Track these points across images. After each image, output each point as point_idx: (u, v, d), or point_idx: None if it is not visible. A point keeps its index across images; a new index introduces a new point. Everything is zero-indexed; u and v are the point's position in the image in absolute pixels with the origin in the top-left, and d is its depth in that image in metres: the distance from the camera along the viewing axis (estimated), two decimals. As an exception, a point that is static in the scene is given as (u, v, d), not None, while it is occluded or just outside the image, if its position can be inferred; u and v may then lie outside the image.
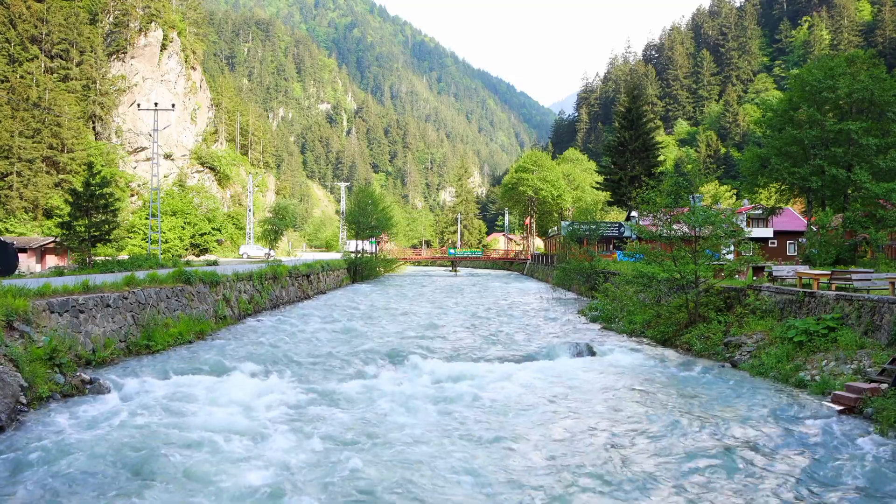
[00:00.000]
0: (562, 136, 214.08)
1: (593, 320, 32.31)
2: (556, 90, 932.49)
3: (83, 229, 37.14)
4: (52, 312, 17.16)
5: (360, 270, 67.75)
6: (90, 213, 37.47)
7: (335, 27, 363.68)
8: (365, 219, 72.09)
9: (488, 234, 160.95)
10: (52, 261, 46.11)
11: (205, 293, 27.78)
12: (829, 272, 20.85)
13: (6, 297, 15.92)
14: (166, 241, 73.55)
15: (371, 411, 14.27)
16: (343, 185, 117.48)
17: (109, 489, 9.77)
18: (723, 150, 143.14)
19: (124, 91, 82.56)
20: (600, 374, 18.76)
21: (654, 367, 19.84)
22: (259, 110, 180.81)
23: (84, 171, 46.96)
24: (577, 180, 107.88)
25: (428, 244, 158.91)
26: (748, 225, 54.38)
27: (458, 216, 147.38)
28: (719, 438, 12.53)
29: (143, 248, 65.15)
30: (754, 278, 26.83)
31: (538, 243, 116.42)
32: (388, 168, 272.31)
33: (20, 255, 39.51)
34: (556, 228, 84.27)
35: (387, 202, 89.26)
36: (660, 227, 25.39)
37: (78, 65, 75.88)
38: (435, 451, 11.65)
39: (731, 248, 29.87)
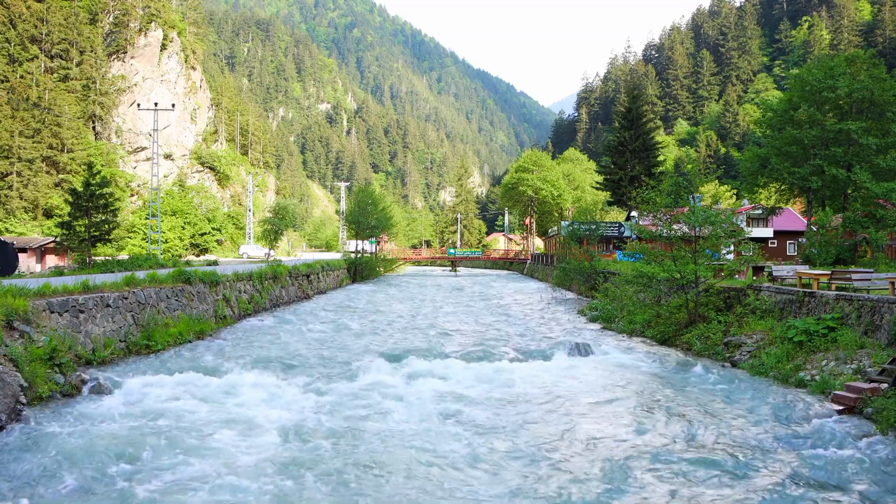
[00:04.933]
0: (562, 136, 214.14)
1: (593, 320, 32.31)
2: (556, 90, 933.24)
3: (83, 229, 37.12)
4: (52, 312, 17.16)
5: (360, 270, 67.74)
6: (90, 213, 37.46)
7: (335, 27, 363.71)
8: (365, 219, 72.09)
9: (488, 234, 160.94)
10: (52, 261, 46.11)
11: (205, 293, 27.79)
12: (829, 272, 20.86)
13: (6, 297, 15.92)
14: (166, 241, 73.56)
15: (373, 411, 14.27)
16: (343, 185, 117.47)
17: (109, 488, 9.77)
18: (723, 150, 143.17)
19: (124, 91, 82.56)
20: (600, 373, 18.75)
21: (654, 366, 19.84)
22: (259, 110, 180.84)
23: (84, 171, 46.94)
24: (577, 180, 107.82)
25: (428, 244, 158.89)
26: (748, 225, 54.36)
27: (458, 216, 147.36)
28: (719, 438, 12.53)
29: (143, 248, 65.15)
30: (754, 278, 26.83)
31: (538, 243, 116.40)
32: (388, 168, 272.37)
33: (20, 255, 39.51)
34: (556, 228, 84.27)
35: (387, 202, 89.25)
36: (660, 227, 25.38)
37: (78, 65, 75.88)
38: (436, 451, 11.65)
39: (731, 248, 29.88)
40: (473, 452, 11.65)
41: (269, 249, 79.93)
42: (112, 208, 39.72)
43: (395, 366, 19.59)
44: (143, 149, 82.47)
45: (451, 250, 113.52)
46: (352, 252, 74.96)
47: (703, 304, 24.05)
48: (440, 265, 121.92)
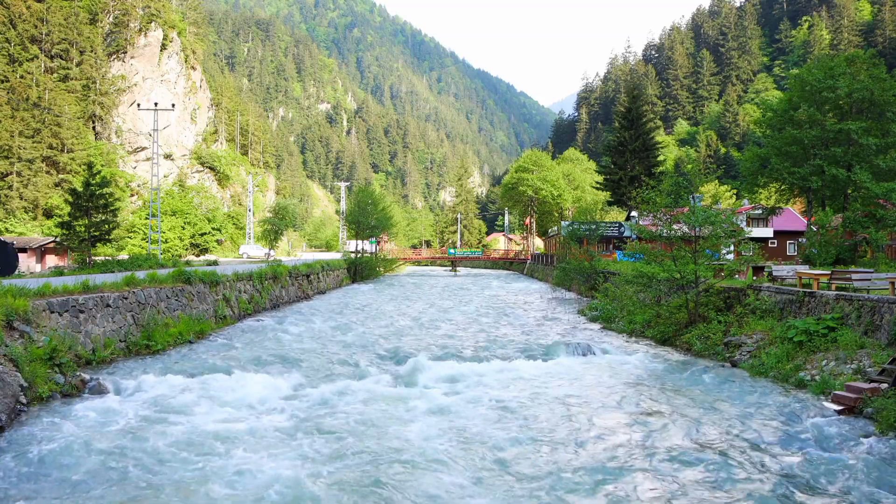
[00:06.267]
0: (562, 136, 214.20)
1: (593, 320, 32.31)
2: (556, 90, 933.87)
3: (83, 229, 37.12)
4: (52, 312, 17.16)
5: (360, 270, 67.75)
6: (90, 213, 37.45)
7: (335, 27, 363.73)
8: (365, 219, 72.10)
9: (488, 234, 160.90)
10: (52, 261, 46.10)
11: (205, 293, 27.78)
12: (829, 272, 20.85)
13: (6, 297, 15.92)
14: (166, 241, 73.56)
15: (372, 411, 14.26)
16: (343, 185, 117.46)
17: (109, 489, 9.77)
18: (723, 150, 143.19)
19: (124, 91, 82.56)
20: (600, 373, 18.75)
21: (654, 366, 19.83)
22: (259, 110, 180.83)
23: (84, 171, 46.93)
24: (577, 180, 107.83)
25: (428, 244, 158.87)
26: (748, 225, 54.37)
27: (458, 216, 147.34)
28: (718, 438, 12.53)
29: (143, 248, 65.15)
30: (754, 278, 26.83)
31: (538, 243, 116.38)
32: (388, 168, 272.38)
33: (20, 255, 39.49)
34: (556, 228, 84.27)
35: (387, 202, 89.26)
36: (660, 227, 25.37)
37: (78, 65, 75.88)
38: (437, 452, 11.64)
39: (731, 248, 29.88)
40: (474, 451, 11.65)
41: (269, 249, 79.94)
42: (112, 208, 39.72)
43: (395, 366, 19.61)
44: (143, 149, 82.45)
45: (451, 250, 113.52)
46: (352, 252, 74.95)
47: (703, 304, 24.05)
48: (440, 265, 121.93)
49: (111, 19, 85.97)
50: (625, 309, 29.60)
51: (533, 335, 26.91)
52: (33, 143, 64.42)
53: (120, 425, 12.67)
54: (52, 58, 73.49)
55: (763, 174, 39.55)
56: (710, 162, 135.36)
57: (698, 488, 10.13)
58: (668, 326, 24.67)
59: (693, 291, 23.99)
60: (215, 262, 49.83)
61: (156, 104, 59.83)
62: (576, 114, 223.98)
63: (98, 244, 39.07)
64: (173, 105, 76.56)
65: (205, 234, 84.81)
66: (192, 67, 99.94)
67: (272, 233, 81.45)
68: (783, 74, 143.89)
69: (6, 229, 58.83)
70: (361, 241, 74.51)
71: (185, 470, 10.51)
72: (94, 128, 78.11)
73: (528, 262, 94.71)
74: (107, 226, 38.40)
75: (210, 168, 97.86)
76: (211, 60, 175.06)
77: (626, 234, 64.34)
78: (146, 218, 68.96)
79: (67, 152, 67.80)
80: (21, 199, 62.97)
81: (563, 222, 75.39)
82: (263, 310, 34.85)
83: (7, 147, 62.32)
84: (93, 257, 37.93)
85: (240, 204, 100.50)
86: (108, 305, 19.83)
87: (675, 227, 24.77)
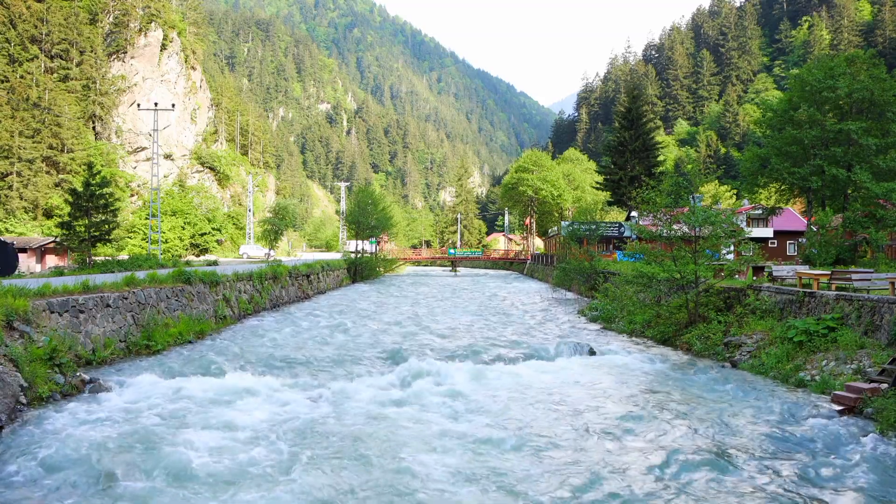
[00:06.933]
0: (562, 136, 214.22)
1: (593, 320, 32.31)
2: (556, 90, 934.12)
3: (83, 229, 37.12)
4: (52, 312, 17.16)
5: (360, 270, 67.75)
6: (90, 213, 37.45)
7: (335, 27, 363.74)
8: (365, 219, 72.09)
9: (488, 234, 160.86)
10: (52, 261, 46.08)
11: (205, 293, 27.78)
12: (829, 272, 20.85)
13: (6, 297, 15.92)
14: (166, 241, 73.55)
15: (371, 411, 14.26)
16: (343, 185, 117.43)
17: (108, 489, 9.77)
18: (723, 150, 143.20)
19: (124, 91, 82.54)
20: (600, 373, 18.75)
21: (654, 366, 19.83)
22: (259, 110, 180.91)
23: (84, 171, 46.93)
24: (577, 180, 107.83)
25: (428, 244, 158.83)
26: (748, 225, 54.36)
27: (458, 216, 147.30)
28: (719, 438, 12.52)
29: (143, 248, 65.14)
30: (754, 278, 26.83)
31: (538, 243, 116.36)
32: (388, 168, 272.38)
33: (20, 255, 39.48)
34: (556, 228, 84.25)
35: (387, 202, 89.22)
36: (660, 227, 25.38)
37: (78, 65, 75.88)
38: (436, 452, 11.64)
39: (731, 248, 29.88)
40: (474, 453, 11.64)
41: (269, 249, 79.92)
42: (112, 208, 39.70)
43: (395, 367, 19.57)
44: (143, 149, 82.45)
45: (451, 250, 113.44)
46: (352, 252, 74.94)
47: (703, 304, 24.05)
48: (440, 265, 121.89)
49: (111, 19, 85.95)
50: (625, 309, 29.60)
51: (533, 336, 26.91)
52: (33, 143, 64.41)
53: (119, 425, 12.66)
54: (52, 58, 73.49)
55: (763, 174, 39.56)
56: (710, 162, 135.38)
57: (698, 488, 10.13)
58: (668, 326, 24.67)
59: (693, 291, 23.99)
60: (215, 263, 49.81)
61: (156, 104, 59.81)
62: (576, 114, 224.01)
63: (98, 244, 39.06)
64: (173, 105, 76.54)
65: (205, 234, 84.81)
66: (192, 67, 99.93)
67: (272, 233, 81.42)
68: (783, 74, 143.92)
69: (6, 229, 58.83)
70: (361, 242, 74.52)
71: (182, 470, 10.50)
72: (94, 128, 78.10)
73: (528, 262, 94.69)
74: (107, 226, 38.39)
75: (210, 168, 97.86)
76: (211, 60, 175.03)
77: (626, 234, 64.34)
78: (146, 218, 68.95)
79: (67, 152, 67.79)
80: (21, 199, 62.96)
81: (563, 222, 75.38)
82: (263, 310, 34.85)
83: (7, 147, 62.31)
84: (93, 257, 37.92)
85: (240, 204, 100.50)
86: (108, 305, 19.83)
87: (675, 227, 24.77)
